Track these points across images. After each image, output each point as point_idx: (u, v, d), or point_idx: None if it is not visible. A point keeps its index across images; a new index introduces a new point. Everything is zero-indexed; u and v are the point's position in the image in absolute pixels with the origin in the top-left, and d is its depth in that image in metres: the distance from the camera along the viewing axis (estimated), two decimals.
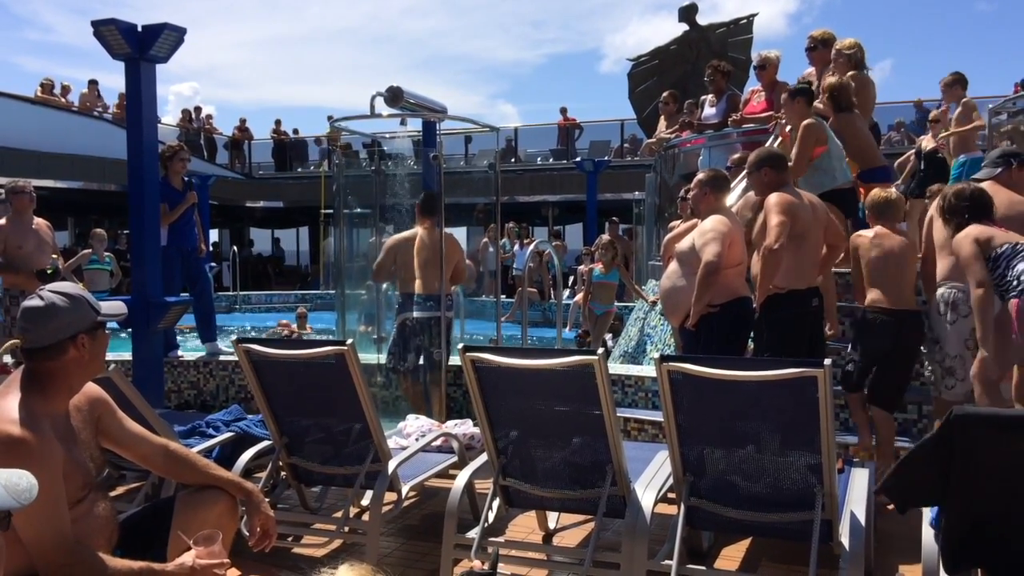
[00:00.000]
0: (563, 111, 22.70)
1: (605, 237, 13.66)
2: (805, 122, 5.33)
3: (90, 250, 10.09)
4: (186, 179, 7.09)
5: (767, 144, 5.98)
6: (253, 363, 3.74)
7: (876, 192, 4.65)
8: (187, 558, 2.25)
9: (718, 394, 3.03)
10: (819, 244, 4.63)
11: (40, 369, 2.25)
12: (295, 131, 24.63)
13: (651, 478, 3.37)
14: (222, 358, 6.74)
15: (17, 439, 2.08)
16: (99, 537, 2.32)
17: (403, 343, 5.91)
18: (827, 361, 2.78)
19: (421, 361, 5.92)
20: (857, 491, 3.25)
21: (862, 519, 3.03)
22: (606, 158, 19.96)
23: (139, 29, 5.72)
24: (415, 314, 5.84)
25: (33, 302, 2.25)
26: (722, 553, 3.68)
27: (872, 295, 4.33)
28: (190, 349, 7.72)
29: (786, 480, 3.01)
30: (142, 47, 5.71)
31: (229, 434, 4.28)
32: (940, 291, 4.06)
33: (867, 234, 4.45)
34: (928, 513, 2.81)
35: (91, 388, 2.48)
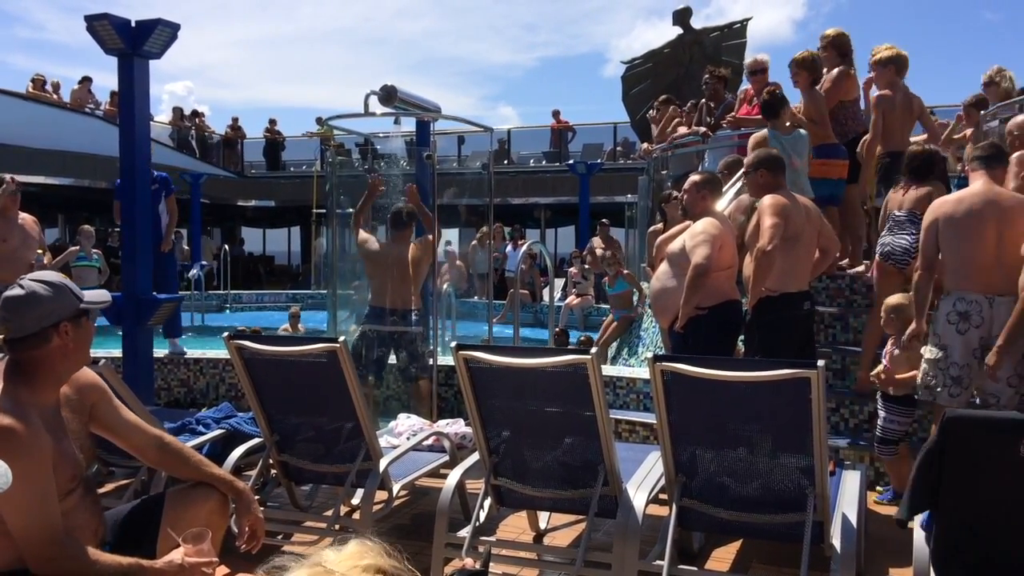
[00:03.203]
0: (555, 114, 22.73)
1: (597, 244, 13.71)
2: (755, 135, 5.46)
3: (78, 247, 10.03)
4: (154, 173, 7.04)
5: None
6: (244, 360, 3.72)
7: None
8: (176, 555, 2.23)
9: (711, 394, 3.03)
10: (812, 247, 4.64)
11: (24, 359, 2.23)
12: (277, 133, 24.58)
13: (643, 479, 3.37)
14: (212, 355, 6.72)
15: (5, 429, 2.05)
16: (87, 531, 2.30)
17: (365, 352, 5.96)
18: (820, 363, 2.79)
19: (406, 365, 5.96)
20: (849, 493, 3.26)
21: (854, 521, 3.03)
22: (599, 161, 19.98)
23: (133, 24, 5.69)
24: (381, 328, 5.91)
25: (14, 291, 2.23)
26: (713, 554, 3.68)
27: None
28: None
29: (778, 481, 3.00)
30: (135, 42, 5.69)
31: (219, 431, 4.26)
32: (950, 300, 4.07)
33: None
34: (919, 516, 2.81)
35: (84, 375, 2.46)
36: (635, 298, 8.98)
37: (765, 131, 5.47)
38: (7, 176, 6.52)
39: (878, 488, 4.62)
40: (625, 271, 9.15)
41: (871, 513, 3.89)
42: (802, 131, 5.71)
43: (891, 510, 4.18)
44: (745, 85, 7.91)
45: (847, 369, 5.45)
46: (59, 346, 2.24)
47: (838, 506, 3.16)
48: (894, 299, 4.43)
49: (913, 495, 2.48)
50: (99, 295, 2.45)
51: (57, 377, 2.30)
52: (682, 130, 8.76)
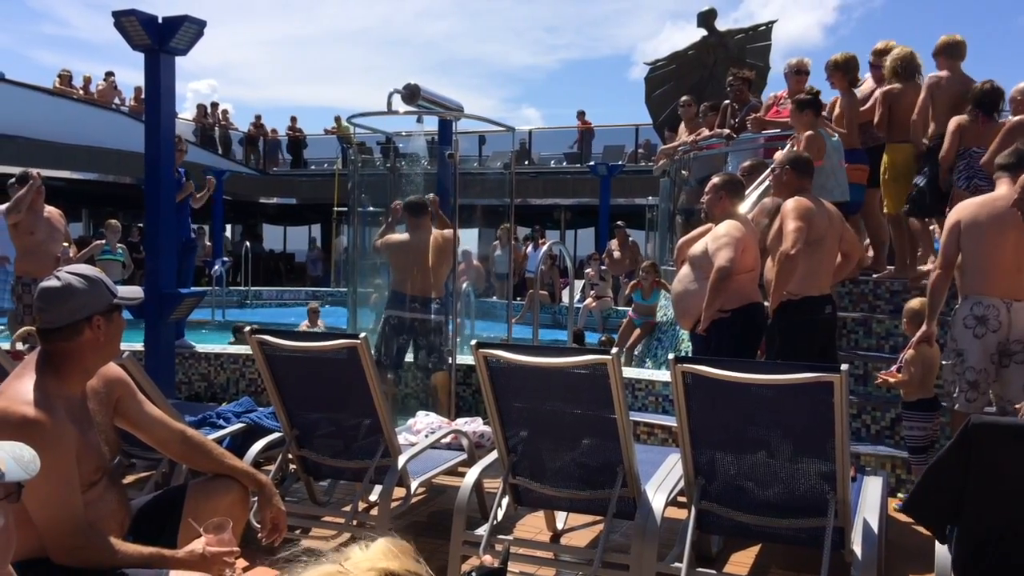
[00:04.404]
0: (580, 115, 22.68)
1: (614, 246, 13.68)
2: (807, 133, 5.34)
3: (103, 241, 10.13)
4: (181, 170, 7.11)
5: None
6: (266, 355, 3.74)
7: None
8: (197, 545, 2.24)
9: (732, 397, 3.01)
10: (834, 252, 4.61)
11: (55, 350, 2.25)
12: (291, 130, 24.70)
13: (662, 480, 3.35)
14: (232, 351, 6.76)
15: (31, 420, 2.08)
16: (111, 521, 2.32)
17: (386, 339, 6.04)
18: (844, 367, 2.77)
19: (424, 359, 6.01)
20: (870, 499, 3.23)
21: (875, 527, 3.00)
22: (620, 163, 19.95)
23: (159, 20, 5.74)
24: (403, 314, 5.96)
25: (50, 283, 2.26)
26: (732, 558, 3.66)
27: None
28: (199, 341, 7.73)
29: (799, 486, 2.98)
30: (162, 38, 5.73)
31: (240, 425, 4.29)
32: (968, 304, 4.03)
33: None
34: None
35: (110, 369, 2.48)
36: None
37: (814, 132, 5.39)
38: (32, 171, 6.61)
39: (900, 495, 4.57)
40: (661, 280, 9.05)
41: (892, 520, 3.85)
42: (835, 136, 5.68)
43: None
44: (771, 90, 7.83)
45: (869, 374, 5.40)
46: (90, 339, 2.27)
47: (859, 512, 3.13)
48: (915, 303, 4.41)
49: (920, 491, 2.46)
50: (132, 291, 2.48)
51: (86, 369, 2.33)
52: (704, 132, 8.70)
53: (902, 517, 4.24)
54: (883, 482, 3.51)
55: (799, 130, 5.49)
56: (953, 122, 5.37)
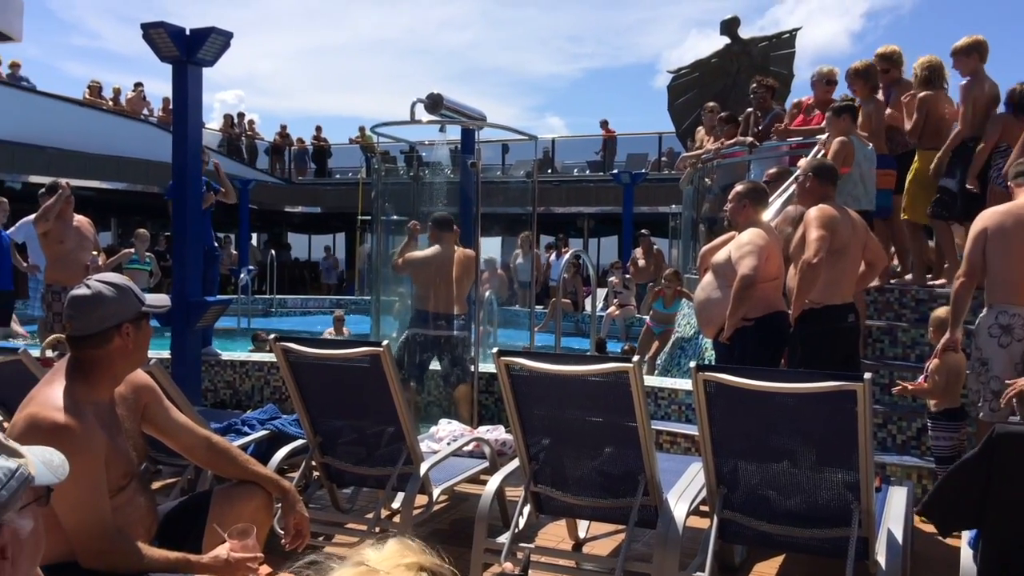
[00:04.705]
0: (604, 124, 22.69)
1: (639, 254, 13.65)
2: (839, 138, 5.31)
3: (131, 249, 10.27)
4: (204, 179, 7.20)
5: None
6: (290, 362, 3.78)
7: None
8: (222, 550, 2.27)
9: (754, 405, 3.00)
10: (858, 260, 4.58)
11: (85, 357, 2.30)
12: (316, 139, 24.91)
13: (683, 489, 3.34)
14: (256, 358, 6.82)
15: (61, 425, 2.12)
16: (139, 526, 2.36)
17: (408, 356, 6.07)
18: (867, 375, 2.75)
19: (448, 369, 6.04)
20: (895, 509, 3.20)
21: (899, 538, 2.98)
22: (643, 171, 19.91)
23: (187, 32, 5.83)
24: (427, 332, 6.00)
25: (81, 291, 2.30)
26: (755, 568, 3.64)
27: None
28: (225, 350, 7.81)
29: (822, 495, 2.96)
30: (190, 50, 5.81)
31: (264, 432, 4.32)
32: (993, 313, 3.99)
33: None
34: (967, 534, 2.75)
35: (138, 376, 2.53)
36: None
37: (846, 138, 5.36)
38: (62, 181, 6.73)
39: None
40: (683, 289, 9.05)
41: (918, 531, 3.81)
42: (870, 146, 5.66)
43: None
44: (795, 97, 7.79)
45: (895, 383, 5.34)
46: (119, 346, 2.31)
47: (884, 522, 3.10)
48: (941, 311, 4.37)
49: (938, 494, 2.44)
50: (160, 299, 2.52)
51: (114, 376, 2.37)
52: (700, 134, 8.71)
53: (928, 528, 4.21)
54: (908, 492, 3.48)
55: (832, 135, 5.48)
56: (997, 117, 5.35)
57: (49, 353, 4.85)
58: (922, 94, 5.93)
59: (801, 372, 3.50)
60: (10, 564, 1.27)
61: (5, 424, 2.32)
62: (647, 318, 9.79)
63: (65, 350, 2.38)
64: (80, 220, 6.84)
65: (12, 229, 7.92)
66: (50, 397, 2.19)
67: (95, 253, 6.91)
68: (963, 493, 2.47)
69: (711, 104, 9.36)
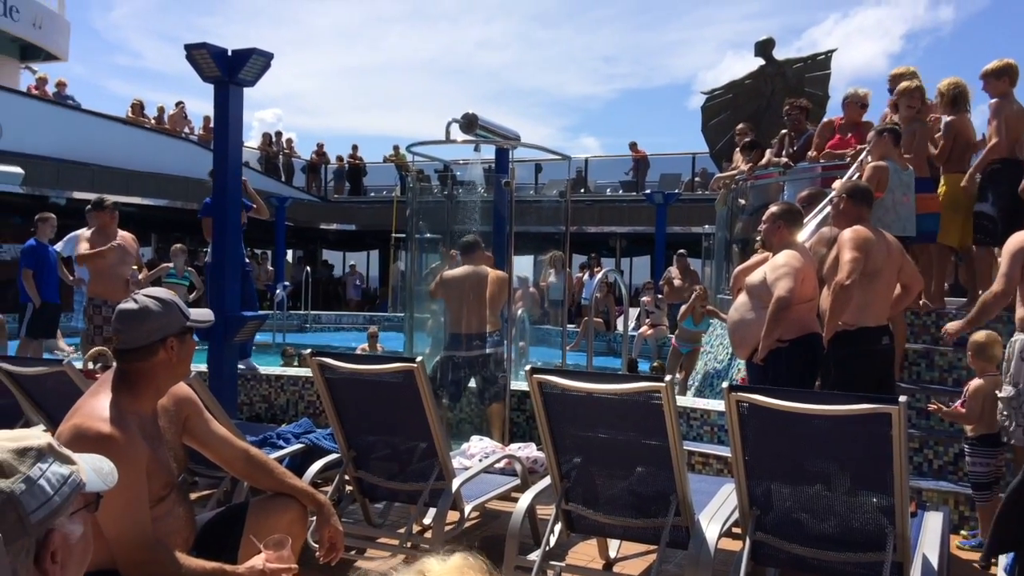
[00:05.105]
0: (632, 145, 22.72)
1: (675, 274, 13.60)
2: (875, 163, 5.29)
3: (170, 264, 10.46)
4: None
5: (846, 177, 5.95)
6: (325, 377, 3.83)
7: None
8: (257, 561, 2.31)
9: (788, 427, 2.99)
10: (892, 283, 4.54)
11: (131, 369, 2.36)
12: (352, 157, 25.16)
13: (716, 511, 3.33)
14: (291, 373, 6.91)
15: (106, 436, 2.18)
16: (177, 537, 2.40)
17: (444, 378, 6.15)
18: (903, 399, 2.73)
19: (481, 385, 6.08)
20: (930, 535, 3.17)
21: (935, 564, 2.95)
22: (676, 191, 19.87)
23: (229, 53, 5.95)
24: (461, 353, 6.09)
25: (128, 305, 2.38)
26: None
27: None
28: (259, 364, 7.90)
29: (856, 519, 2.94)
30: (231, 71, 5.93)
31: (299, 446, 4.38)
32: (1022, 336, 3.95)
33: None
34: (1004, 559, 2.72)
35: (180, 389, 2.59)
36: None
37: (883, 163, 5.35)
38: (108, 198, 6.90)
39: (963, 532, 4.45)
40: (711, 307, 9.01)
41: (954, 558, 3.75)
42: (911, 167, 5.62)
43: (975, 556, 4.03)
44: (829, 116, 7.78)
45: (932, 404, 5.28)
46: (164, 359, 2.38)
47: (919, 548, 3.07)
48: (980, 336, 4.32)
49: (995, 538, 2.41)
50: (204, 314, 2.58)
51: (158, 388, 2.43)
52: (737, 158, 8.70)
53: (965, 554, 4.15)
54: (944, 518, 3.43)
55: (872, 156, 5.46)
56: None
57: (91, 365, 4.96)
58: (948, 119, 5.89)
59: (836, 394, 3.48)
60: (60, 568, 1.31)
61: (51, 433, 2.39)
62: (673, 337, 9.75)
63: (107, 362, 2.45)
64: (124, 236, 7.00)
65: (59, 244, 8.13)
66: (96, 408, 2.26)
67: (135, 268, 7.07)
68: (1015, 523, 2.43)
69: (741, 126, 9.37)
